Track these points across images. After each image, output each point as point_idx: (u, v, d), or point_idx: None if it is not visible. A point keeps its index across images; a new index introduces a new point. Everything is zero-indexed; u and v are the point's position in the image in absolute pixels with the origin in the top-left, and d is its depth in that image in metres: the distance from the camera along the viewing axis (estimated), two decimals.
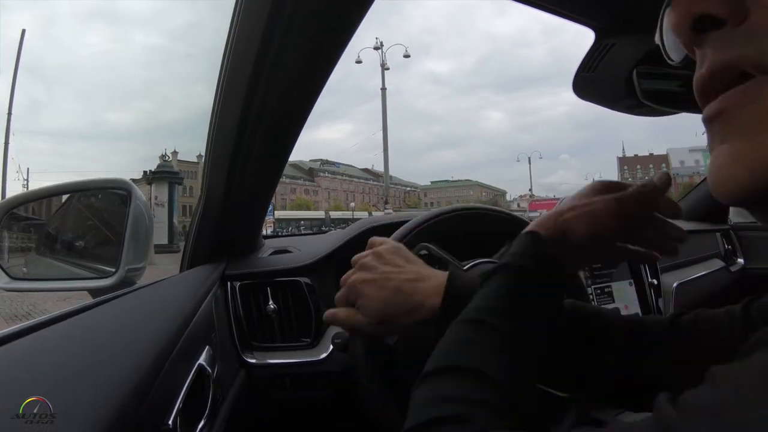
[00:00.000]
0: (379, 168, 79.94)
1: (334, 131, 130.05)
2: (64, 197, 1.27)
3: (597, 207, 0.63)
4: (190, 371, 0.76)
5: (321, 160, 79.04)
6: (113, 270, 1.03)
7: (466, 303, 0.63)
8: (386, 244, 0.81)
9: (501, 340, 0.53)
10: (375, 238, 0.85)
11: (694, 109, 0.81)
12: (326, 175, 75.40)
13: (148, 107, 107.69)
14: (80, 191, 1.25)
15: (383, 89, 31.90)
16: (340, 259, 1.26)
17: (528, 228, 0.66)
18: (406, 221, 1.06)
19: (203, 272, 1.14)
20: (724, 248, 2.16)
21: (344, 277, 0.82)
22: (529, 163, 55.70)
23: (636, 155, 75.67)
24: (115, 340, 0.70)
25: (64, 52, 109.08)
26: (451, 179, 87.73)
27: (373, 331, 0.77)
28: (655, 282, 1.62)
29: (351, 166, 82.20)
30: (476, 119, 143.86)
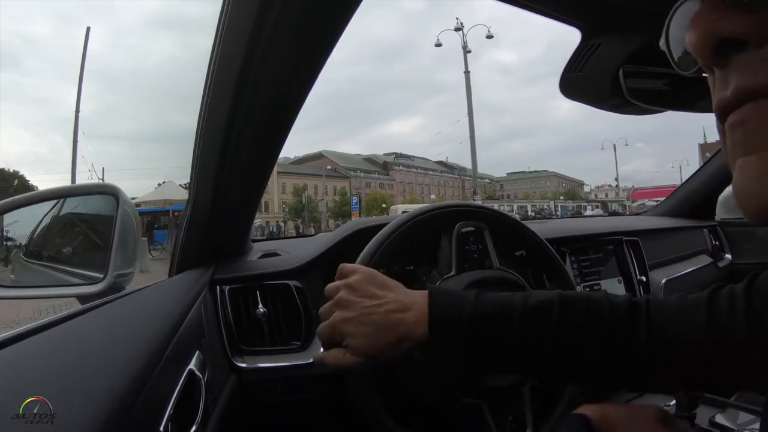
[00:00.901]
0: (453, 160, 79.04)
1: (403, 126, 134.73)
2: (52, 203, 1.25)
3: None
4: (181, 377, 0.76)
5: (395, 153, 77.95)
6: (101, 276, 1.02)
7: (452, 326, 0.64)
8: (357, 273, 0.80)
9: None
10: (343, 266, 0.84)
11: (681, 107, 0.81)
12: (401, 168, 74.37)
13: None
14: (67, 197, 1.23)
15: (467, 72, 30.38)
16: (329, 261, 1.26)
17: None
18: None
19: (192, 277, 1.14)
20: (711, 244, 2.18)
21: (322, 309, 0.82)
22: (615, 150, 52.41)
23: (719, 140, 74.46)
24: (104, 346, 0.70)
25: (135, 60, 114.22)
26: (527, 170, 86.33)
27: (364, 368, 0.77)
28: (644, 279, 1.64)
29: (425, 158, 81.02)
30: (544, 109, 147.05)
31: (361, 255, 0.99)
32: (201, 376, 0.83)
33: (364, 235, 1.25)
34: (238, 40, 0.75)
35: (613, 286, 1.59)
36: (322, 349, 0.83)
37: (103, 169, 40.03)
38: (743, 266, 2.16)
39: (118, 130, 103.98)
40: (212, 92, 0.88)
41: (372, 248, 1.00)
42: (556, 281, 1.13)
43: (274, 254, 1.42)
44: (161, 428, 0.62)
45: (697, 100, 0.93)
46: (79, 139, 23.80)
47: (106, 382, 0.55)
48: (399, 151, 79.80)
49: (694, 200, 2.27)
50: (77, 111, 23.50)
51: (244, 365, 1.15)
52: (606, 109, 0.92)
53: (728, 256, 2.22)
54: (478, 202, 1.13)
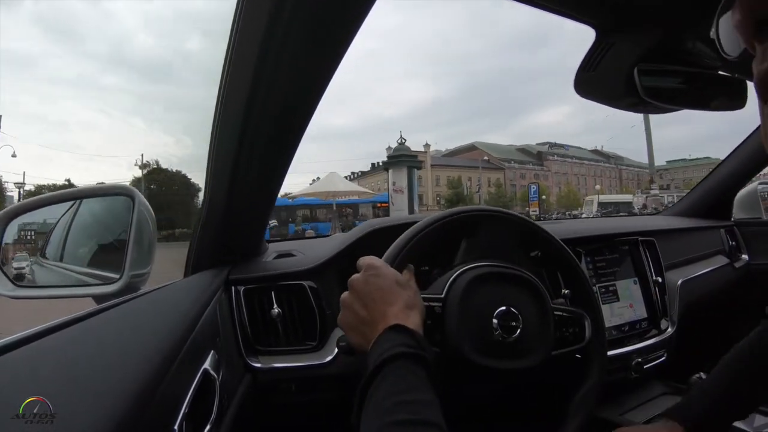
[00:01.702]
0: (608, 148, 75.78)
1: (553, 114, 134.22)
2: (69, 204, 1.27)
3: None
4: (196, 376, 0.76)
5: (548, 142, 75.11)
6: (117, 276, 1.03)
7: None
8: (366, 276, 0.85)
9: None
10: (362, 260, 0.89)
11: (697, 105, 0.81)
12: (555, 158, 71.67)
13: (366, 107, 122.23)
14: (84, 198, 1.25)
15: None
16: (344, 262, 1.26)
17: None
18: (409, 223, 1.06)
19: (207, 277, 1.14)
20: (728, 244, 2.15)
21: (342, 296, 0.87)
22: None
23: None
24: (120, 346, 0.70)
25: None
26: (688, 157, 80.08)
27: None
28: (660, 279, 1.62)
29: (579, 147, 77.80)
30: None
31: (386, 254, 0.98)
32: (216, 375, 0.84)
33: (379, 235, 1.25)
34: (251, 42, 0.75)
35: (629, 287, 1.57)
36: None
37: None
38: (760, 267, 2.13)
39: None
40: (227, 93, 0.88)
41: (395, 250, 0.99)
42: (572, 282, 1.12)
43: (289, 255, 1.42)
44: (176, 427, 0.63)
45: (712, 99, 0.92)
46: None
47: (120, 381, 0.55)
48: (552, 141, 76.15)
49: (710, 200, 2.25)
50: None
51: (258, 365, 1.16)
52: (621, 108, 0.92)
53: (745, 256, 2.18)
54: (497, 208, 1.11)
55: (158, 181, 49.45)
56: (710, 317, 1.85)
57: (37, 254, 1.35)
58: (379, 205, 25.77)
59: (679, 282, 1.68)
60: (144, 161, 41.66)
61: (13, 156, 33.57)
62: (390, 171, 18.16)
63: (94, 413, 0.48)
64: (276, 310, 1.19)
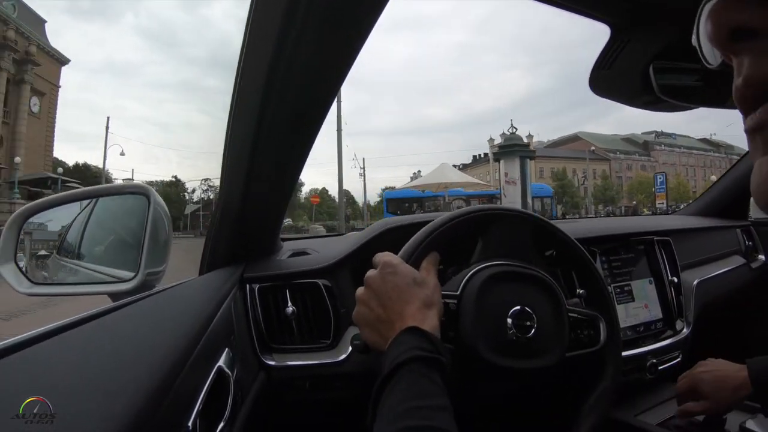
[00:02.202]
0: (719, 138, 70.63)
1: None
2: (85, 202, 1.28)
3: None
4: (210, 373, 0.76)
5: (655, 131, 71.06)
6: (133, 274, 1.04)
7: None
8: (383, 273, 0.85)
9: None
10: (378, 257, 0.90)
11: (714, 103, 0.80)
12: (663, 148, 68.46)
13: (463, 100, 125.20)
14: (100, 197, 1.26)
15: None
16: (359, 260, 1.26)
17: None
18: (423, 222, 1.06)
19: (222, 275, 1.15)
20: (744, 245, 2.12)
21: (358, 292, 0.88)
22: None
23: None
24: (135, 343, 0.71)
25: (381, 62, 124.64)
26: None
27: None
28: (675, 280, 1.60)
29: (687, 136, 73.61)
30: None
31: (403, 250, 0.98)
32: (230, 373, 0.84)
33: (393, 234, 1.25)
34: (265, 39, 0.75)
35: (644, 287, 1.56)
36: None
37: (363, 159, 43.50)
38: None
39: (371, 126, 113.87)
40: (241, 88, 0.89)
41: (411, 246, 0.99)
42: (586, 282, 1.11)
43: (304, 253, 1.42)
44: (189, 424, 0.63)
45: (729, 96, 0.91)
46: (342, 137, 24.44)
47: (134, 378, 0.56)
48: (658, 129, 71.38)
49: (726, 199, 2.22)
50: (339, 111, 24.48)
51: (273, 363, 1.16)
52: (637, 106, 0.91)
53: (762, 257, 2.15)
54: (514, 208, 1.10)
55: None
56: (726, 318, 1.83)
57: (54, 252, 1.36)
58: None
59: (695, 282, 1.67)
60: None
61: (122, 154, 37.48)
62: (501, 161, 17.07)
63: (97, 413, 0.49)
64: (290, 308, 1.19)
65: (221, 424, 0.77)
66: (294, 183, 1.16)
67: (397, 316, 0.78)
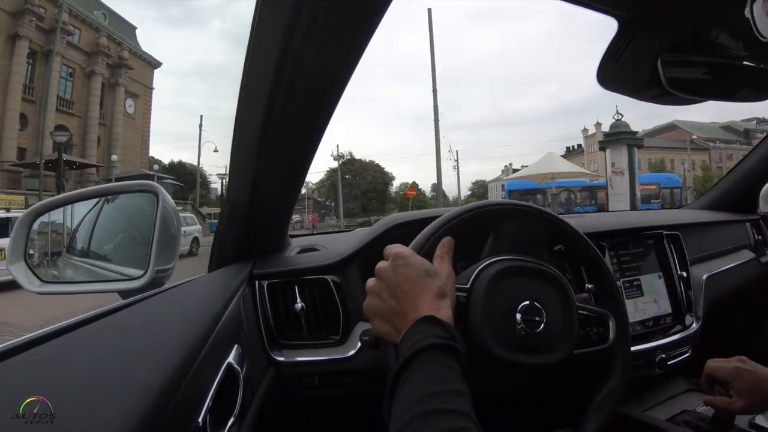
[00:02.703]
0: None
1: None
2: (94, 201, 1.28)
3: None
4: (220, 370, 0.77)
5: (756, 118, 66.51)
6: (142, 272, 1.05)
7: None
8: (394, 265, 0.84)
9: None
10: (389, 249, 0.88)
11: (722, 96, 0.80)
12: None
13: (551, 90, 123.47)
14: (109, 195, 1.26)
15: None
16: (367, 256, 1.27)
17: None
18: (431, 218, 1.05)
19: (231, 272, 1.16)
20: (754, 239, 2.11)
21: (368, 283, 0.86)
22: None
23: None
24: (145, 340, 0.72)
25: (467, 56, 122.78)
26: None
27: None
28: (685, 274, 1.60)
29: None
30: None
31: (413, 242, 0.98)
32: (239, 369, 0.85)
33: (402, 229, 1.25)
34: (272, 37, 0.75)
35: (653, 282, 1.56)
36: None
37: (456, 152, 44.77)
38: None
39: (459, 119, 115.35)
40: (248, 86, 0.89)
41: (422, 239, 0.99)
42: (595, 277, 1.11)
43: (313, 249, 1.43)
44: (200, 420, 0.64)
45: (738, 90, 0.91)
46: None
47: (144, 375, 0.56)
48: (760, 116, 65.88)
49: (735, 193, 2.21)
50: (435, 101, 24.47)
51: (282, 359, 1.17)
52: (645, 100, 0.91)
53: None
54: (522, 202, 1.10)
55: (353, 171, 53.43)
56: (735, 313, 1.82)
57: (63, 251, 1.37)
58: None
59: (705, 277, 1.66)
60: (338, 152, 44.28)
61: (215, 151, 37.75)
62: (607, 150, 16.17)
63: (99, 412, 0.49)
64: (299, 304, 1.20)
65: (231, 420, 0.77)
66: (302, 180, 1.17)
67: (411, 308, 0.78)
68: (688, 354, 1.49)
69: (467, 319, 0.89)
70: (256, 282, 1.21)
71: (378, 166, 57.68)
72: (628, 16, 0.80)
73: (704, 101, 0.88)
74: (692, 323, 1.54)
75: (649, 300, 1.52)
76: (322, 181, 57.49)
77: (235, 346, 0.88)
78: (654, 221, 1.70)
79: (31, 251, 1.14)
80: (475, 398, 0.66)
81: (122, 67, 33.92)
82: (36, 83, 28.88)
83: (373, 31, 0.75)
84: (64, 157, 20.97)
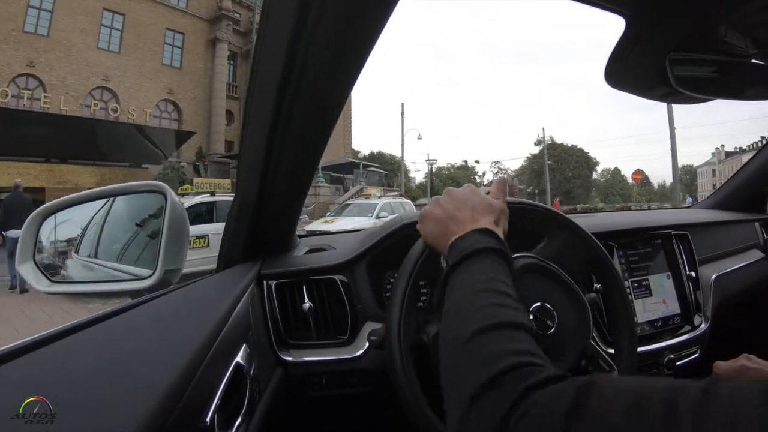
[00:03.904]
0: None
1: None
2: (102, 201, 1.29)
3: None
4: (228, 369, 0.77)
5: None
6: (151, 272, 1.05)
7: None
8: (465, 193, 0.89)
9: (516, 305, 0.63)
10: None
11: (730, 94, 0.79)
12: None
13: None
14: (117, 195, 1.27)
15: None
16: (375, 256, 1.27)
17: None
18: None
19: (239, 272, 1.16)
20: (763, 238, 2.09)
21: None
22: None
23: None
24: (154, 339, 0.72)
25: None
26: None
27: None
28: (693, 274, 1.59)
29: None
30: None
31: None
32: (247, 369, 0.85)
33: (410, 230, 1.25)
34: (280, 36, 0.76)
35: (662, 282, 1.55)
36: None
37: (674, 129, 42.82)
38: None
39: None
40: (257, 85, 0.89)
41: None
42: (603, 277, 1.11)
43: (321, 249, 1.43)
44: (207, 419, 0.64)
45: (746, 88, 0.90)
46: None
47: (153, 375, 0.57)
48: None
49: (745, 193, 2.20)
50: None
51: (290, 359, 1.17)
52: (653, 98, 0.91)
53: None
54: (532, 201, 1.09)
55: (555, 156, 52.93)
56: (745, 313, 1.81)
57: (72, 251, 1.38)
58: None
59: (713, 277, 1.65)
60: (540, 137, 44.86)
61: (419, 138, 41.54)
62: None
63: (100, 412, 0.49)
64: (307, 304, 1.20)
65: (238, 420, 0.77)
66: (310, 179, 1.17)
67: (470, 219, 0.81)
68: (696, 355, 1.48)
69: None
70: (264, 282, 1.21)
71: (581, 150, 56.63)
72: (635, 14, 0.79)
73: (713, 99, 0.88)
74: (701, 324, 1.54)
75: (657, 300, 1.52)
76: (522, 168, 56.79)
77: (243, 345, 0.88)
78: (662, 221, 1.70)
79: (40, 251, 1.15)
80: None
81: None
82: (239, 82, 31.08)
83: (382, 26, 0.75)
84: None
